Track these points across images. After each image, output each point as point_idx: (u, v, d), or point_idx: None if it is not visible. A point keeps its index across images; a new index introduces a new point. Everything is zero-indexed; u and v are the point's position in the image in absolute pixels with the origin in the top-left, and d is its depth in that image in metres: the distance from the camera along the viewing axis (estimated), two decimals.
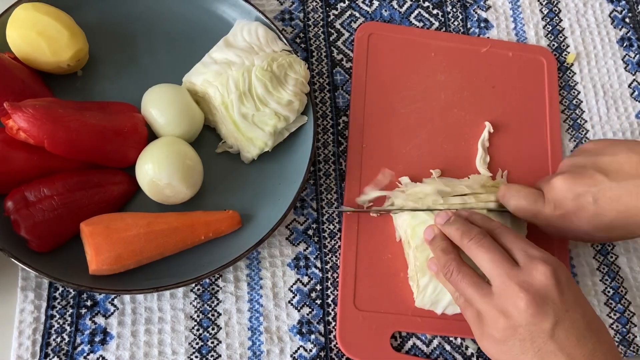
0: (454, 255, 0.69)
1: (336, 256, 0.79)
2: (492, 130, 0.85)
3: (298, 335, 0.75)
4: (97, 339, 0.72)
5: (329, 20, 0.90)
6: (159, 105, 0.74)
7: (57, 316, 0.72)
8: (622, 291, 0.82)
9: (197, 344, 0.73)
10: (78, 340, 0.72)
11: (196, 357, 0.73)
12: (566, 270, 0.65)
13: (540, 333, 0.61)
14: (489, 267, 0.65)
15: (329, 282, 0.78)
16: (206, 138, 0.79)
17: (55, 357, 0.71)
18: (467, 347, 0.77)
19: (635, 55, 0.94)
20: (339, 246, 0.79)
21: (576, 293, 0.63)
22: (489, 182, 0.81)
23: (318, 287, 0.77)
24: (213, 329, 0.74)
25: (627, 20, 0.96)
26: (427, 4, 0.93)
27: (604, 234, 0.72)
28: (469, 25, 0.93)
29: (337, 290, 0.77)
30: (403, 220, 0.77)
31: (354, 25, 0.90)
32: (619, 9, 0.97)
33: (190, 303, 0.75)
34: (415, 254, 0.75)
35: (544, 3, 0.96)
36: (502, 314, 0.63)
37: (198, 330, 0.74)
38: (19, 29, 0.73)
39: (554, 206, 0.71)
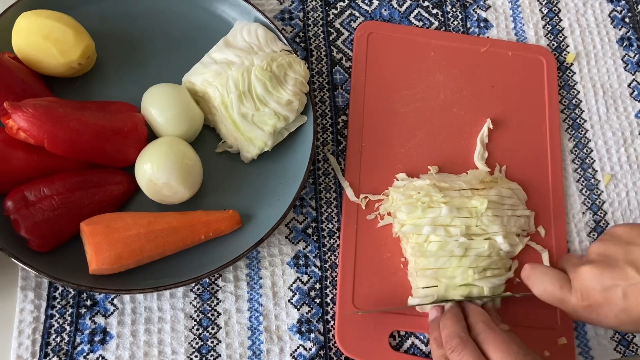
0: (443, 352, 0.70)
1: (335, 255, 0.79)
2: (491, 127, 0.85)
3: (297, 334, 0.75)
4: (96, 338, 0.72)
5: (329, 19, 0.90)
6: (158, 105, 0.74)
7: (57, 316, 0.72)
8: None
9: (197, 343, 0.73)
10: (78, 340, 0.72)
11: (196, 356, 0.73)
12: None
13: None
14: None
15: (328, 280, 0.78)
16: (206, 138, 0.79)
17: (55, 356, 0.71)
18: None
19: (634, 55, 0.94)
20: (338, 245, 0.79)
21: None
22: (487, 178, 0.81)
23: (317, 286, 0.78)
24: (213, 328, 0.74)
25: (626, 20, 0.96)
26: (426, 3, 0.93)
27: (631, 328, 0.68)
28: (468, 25, 0.93)
29: (336, 289, 0.77)
30: (401, 213, 0.77)
31: (354, 25, 0.90)
32: (618, 8, 0.96)
33: (190, 303, 0.75)
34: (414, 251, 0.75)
35: (543, 3, 0.96)
36: None
37: (198, 329, 0.74)
38: (25, 37, 0.73)
39: (581, 296, 0.68)
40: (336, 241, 0.80)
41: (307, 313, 0.76)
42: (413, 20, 0.92)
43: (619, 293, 0.66)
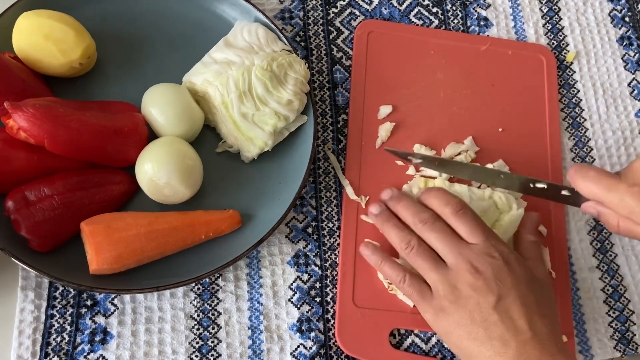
0: (411, 231, 0.72)
1: (335, 254, 0.79)
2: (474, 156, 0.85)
3: (298, 333, 0.75)
4: (97, 338, 0.72)
5: (329, 18, 0.90)
6: (159, 105, 0.74)
7: (58, 316, 0.72)
8: (621, 289, 0.82)
9: (197, 343, 0.73)
10: (78, 340, 0.72)
11: (196, 356, 0.73)
12: (518, 255, 0.70)
13: (486, 305, 0.66)
14: (442, 246, 0.69)
15: (329, 279, 0.78)
16: (206, 137, 0.79)
17: (56, 356, 0.71)
18: None
19: (634, 54, 0.94)
20: (338, 244, 0.79)
21: (523, 274, 0.68)
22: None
23: (317, 285, 0.78)
24: (213, 328, 0.74)
25: (626, 19, 0.96)
26: (426, 2, 0.93)
27: None
28: (468, 24, 0.93)
29: (337, 288, 0.77)
30: None
31: (354, 24, 0.90)
32: (618, 7, 0.96)
33: (191, 302, 0.75)
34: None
35: (543, 1, 0.96)
36: (454, 287, 0.67)
37: (198, 329, 0.74)
38: (25, 37, 0.73)
39: (633, 181, 0.68)
40: (336, 240, 0.80)
41: (307, 312, 0.76)
42: (413, 19, 0.92)
43: None
